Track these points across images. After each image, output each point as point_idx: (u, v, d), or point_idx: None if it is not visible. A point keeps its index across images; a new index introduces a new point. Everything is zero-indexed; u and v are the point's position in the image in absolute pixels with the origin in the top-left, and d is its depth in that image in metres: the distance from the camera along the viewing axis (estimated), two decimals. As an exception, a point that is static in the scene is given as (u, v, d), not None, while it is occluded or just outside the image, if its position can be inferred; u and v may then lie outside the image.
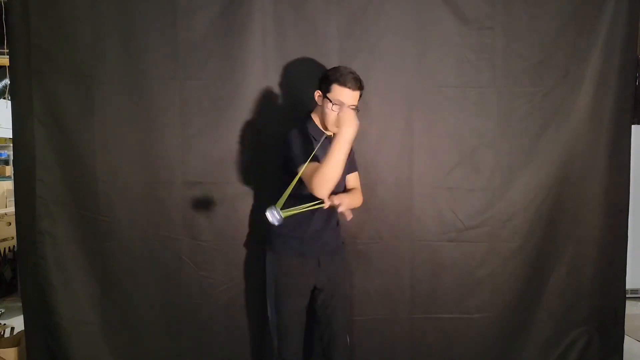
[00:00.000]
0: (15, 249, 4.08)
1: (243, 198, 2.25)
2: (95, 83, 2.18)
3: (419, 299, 2.34)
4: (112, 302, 2.27)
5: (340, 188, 2.00)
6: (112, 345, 2.28)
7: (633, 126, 2.43)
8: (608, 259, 2.42)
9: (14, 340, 2.60)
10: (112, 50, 2.18)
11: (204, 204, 2.24)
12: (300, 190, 1.78)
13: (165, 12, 2.18)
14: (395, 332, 2.35)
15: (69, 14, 2.16)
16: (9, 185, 5.65)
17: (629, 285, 2.57)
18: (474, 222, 2.32)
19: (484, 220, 2.32)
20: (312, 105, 1.95)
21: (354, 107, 1.85)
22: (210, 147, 2.22)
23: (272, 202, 2.01)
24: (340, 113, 1.75)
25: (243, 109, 2.21)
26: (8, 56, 2.22)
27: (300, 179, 1.74)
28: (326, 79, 1.85)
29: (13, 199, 2.45)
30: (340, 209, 1.78)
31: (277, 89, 2.22)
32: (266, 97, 2.21)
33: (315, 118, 1.94)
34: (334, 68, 1.88)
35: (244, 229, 2.26)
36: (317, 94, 1.89)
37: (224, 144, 2.22)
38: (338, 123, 1.71)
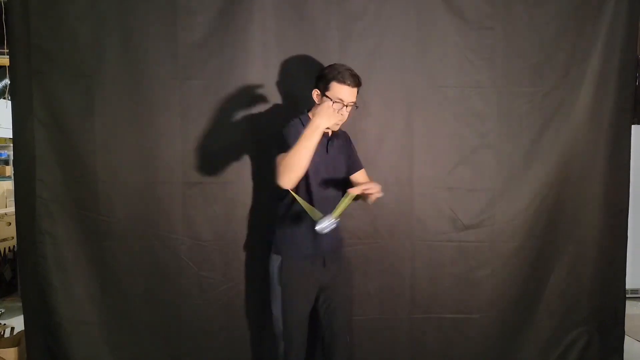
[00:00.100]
0: (15, 249, 4.08)
1: (243, 198, 2.25)
2: (95, 83, 2.18)
3: (419, 299, 2.34)
4: (112, 302, 2.27)
5: (335, 200, 1.99)
6: (112, 345, 2.28)
7: (633, 126, 2.43)
8: (608, 259, 2.42)
9: (14, 340, 2.60)
10: (112, 50, 2.18)
11: (204, 204, 2.24)
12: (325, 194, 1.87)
13: (165, 12, 2.18)
14: (395, 332, 2.35)
15: (69, 14, 2.16)
16: (9, 185, 5.65)
17: (629, 285, 2.58)
18: (474, 222, 2.32)
19: (484, 220, 2.32)
20: (312, 105, 1.95)
21: (352, 103, 1.86)
22: (210, 147, 2.22)
23: (271, 202, 2.02)
24: (321, 104, 1.76)
25: (243, 109, 2.21)
26: (8, 56, 2.22)
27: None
28: (324, 77, 1.85)
29: (13, 199, 2.45)
30: (373, 197, 1.77)
31: (277, 89, 2.22)
32: (266, 96, 2.21)
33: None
34: (331, 66, 1.87)
35: (244, 229, 2.26)
36: (315, 93, 1.89)
37: (224, 144, 2.22)
38: (321, 114, 1.69)
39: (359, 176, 2.06)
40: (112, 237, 2.23)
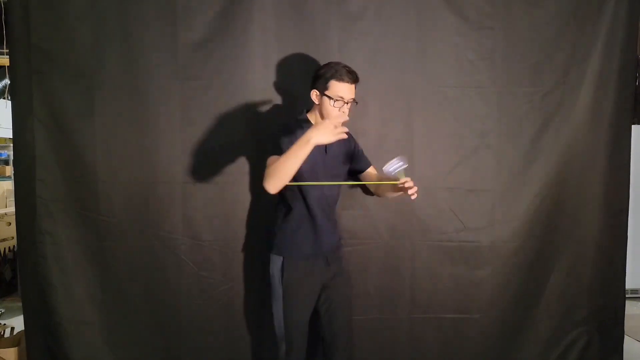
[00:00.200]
0: (15, 249, 4.08)
1: (243, 198, 2.25)
2: (95, 83, 2.18)
3: (419, 299, 2.34)
4: (112, 302, 2.27)
5: (333, 199, 2.00)
6: (112, 345, 2.29)
7: (633, 126, 2.43)
8: (608, 259, 2.42)
9: (14, 340, 2.61)
10: (112, 50, 2.18)
11: (204, 204, 2.24)
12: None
13: (165, 12, 2.18)
14: (395, 332, 2.35)
15: (69, 14, 2.16)
16: (9, 185, 5.65)
17: (629, 285, 2.58)
18: (474, 222, 2.32)
19: (484, 220, 2.32)
20: (311, 105, 1.95)
21: (352, 99, 1.86)
22: (210, 147, 2.22)
23: (271, 203, 2.02)
24: (322, 122, 1.69)
25: (243, 109, 2.21)
26: (8, 56, 2.22)
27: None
28: (321, 77, 1.85)
29: (13, 199, 2.46)
30: (411, 191, 1.78)
31: (277, 89, 2.22)
32: (266, 96, 2.21)
33: (311, 117, 1.94)
34: (326, 65, 1.87)
35: (243, 229, 2.26)
36: (314, 93, 1.88)
37: (224, 144, 2.22)
38: (318, 129, 1.63)
39: (371, 172, 2.07)
40: (112, 237, 2.23)
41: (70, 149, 2.20)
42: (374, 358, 2.35)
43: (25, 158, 2.22)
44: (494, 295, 2.35)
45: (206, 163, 2.23)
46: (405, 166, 1.75)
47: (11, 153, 7.57)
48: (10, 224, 4.24)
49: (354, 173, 2.09)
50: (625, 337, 2.52)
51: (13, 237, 4.08)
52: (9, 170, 7.63)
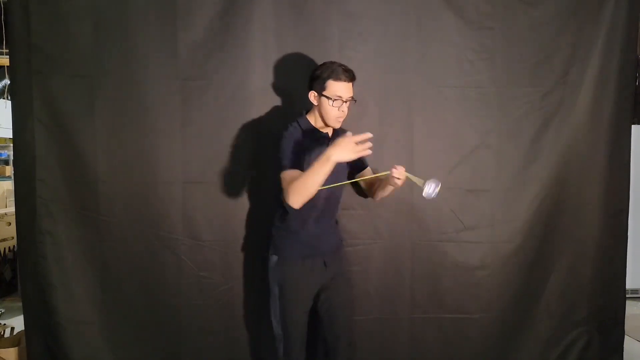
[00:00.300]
0: (15, 249, 4.08)
1: (243, 198, 2.25)
2: (95, 83, 2.18)
3: (419, 299, 2.34)
4: (112, 302, 2.27)
5: (336, 200, 2.01)
6: (112, 345, 2.28)
7: (633, 126, 2.43)
8: (608, 259, 2.42)
9: (14, 340, 2.61)
10: (112, 50, 2.18)
11: (204, 204, 2.23)
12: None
13: (165, 12, 2.18)
14: (395, 332, 2.35)
15: (69, 14, 2.16)
16: (9, 185, 5.65)
17: (629, 285, 2.58)
18: (474, 222, 2.32)
19: (484, 220, 2.32)
20: (310, 106, 1.95)
21: (351, 98, 1.85)
22: (210, 147, 2.22)
23: (271, 202, 2.02)
24: (343, 138, 1.62)
25: (243, 109, 2.21)
26: (8, 56, 2.22)
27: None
28: (318, 77, 1.85)
29: (13, 199, 2.46)
30: (400, 182, 1.81)
31: (277, 89, 2.22)
32: (266, 96, 2.21)
33: (311, 118, 1.94)
34: (322, 65, 1.87)
35: (243, 230, 2.26)
36: (313, 94, 1.88)
37: (224, 144, 2.22)
38: (339, 146, 1.60)
39: (366, 172, 2.08)
40: (112, 237, 2.23)
41: (70, 149, 2.20)
42: (374, 358, 2.35)
43: (25, 158, 2.22)
44: (494, 295, 2.35)
45: (206, 163, 2.22)
46: (440, 184, 1.74)
47: (11, 153, 7.57)
48: (10, 224, 4.23)
49: (352, 172, 2.09)
50: (625, 337, 2.52)
51: (13, 237, 4.08)
52: (9, 170, 7.63)
